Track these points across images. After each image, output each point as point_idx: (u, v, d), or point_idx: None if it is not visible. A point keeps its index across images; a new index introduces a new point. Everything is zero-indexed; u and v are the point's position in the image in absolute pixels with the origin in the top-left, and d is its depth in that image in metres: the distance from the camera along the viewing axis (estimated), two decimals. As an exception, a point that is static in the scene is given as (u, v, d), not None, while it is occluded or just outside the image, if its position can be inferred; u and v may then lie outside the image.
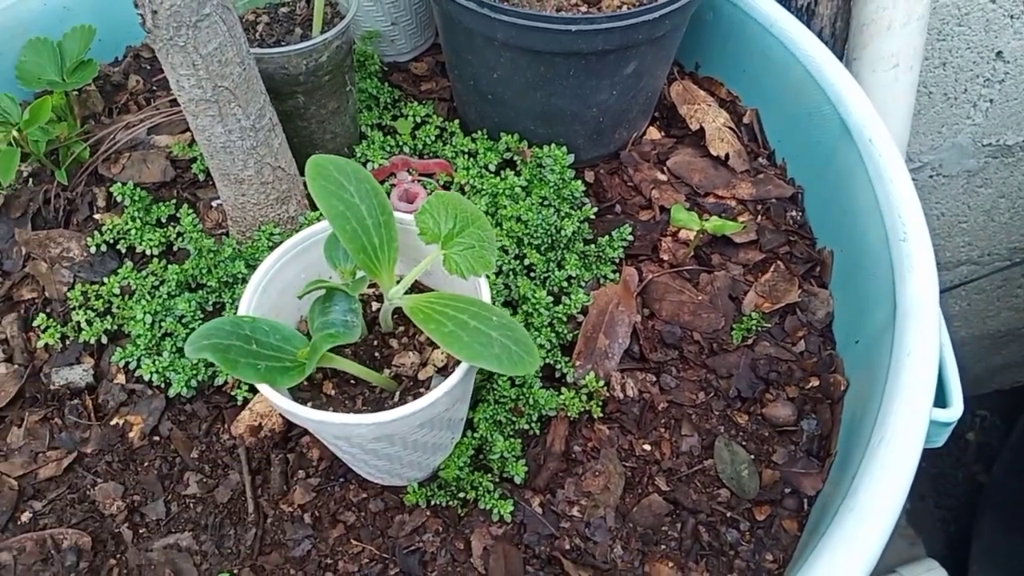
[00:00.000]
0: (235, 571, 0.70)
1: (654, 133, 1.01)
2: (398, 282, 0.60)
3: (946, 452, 2.15)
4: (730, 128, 0.99)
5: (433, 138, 0.97)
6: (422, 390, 0.64)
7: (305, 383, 0.64)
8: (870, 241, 0.79)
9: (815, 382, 0.79)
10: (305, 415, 0.56)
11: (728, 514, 0.73)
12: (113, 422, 0.78)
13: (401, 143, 0.96)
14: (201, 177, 0.95)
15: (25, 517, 0.73)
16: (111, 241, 0.88)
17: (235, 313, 0.64)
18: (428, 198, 0.61)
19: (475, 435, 0.73)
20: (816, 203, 0.92)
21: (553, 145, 0.92)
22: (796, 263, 0.88)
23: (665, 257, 0.88)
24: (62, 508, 0.74)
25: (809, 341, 0.82)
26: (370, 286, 0.71)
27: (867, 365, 0.74)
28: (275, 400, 0.57)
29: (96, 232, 0.88)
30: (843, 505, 0.60)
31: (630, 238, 0.87)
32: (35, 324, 0.83)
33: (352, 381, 0.65)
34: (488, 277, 0.64)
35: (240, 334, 0.57)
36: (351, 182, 0.59)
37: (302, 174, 0.85)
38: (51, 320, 0.82)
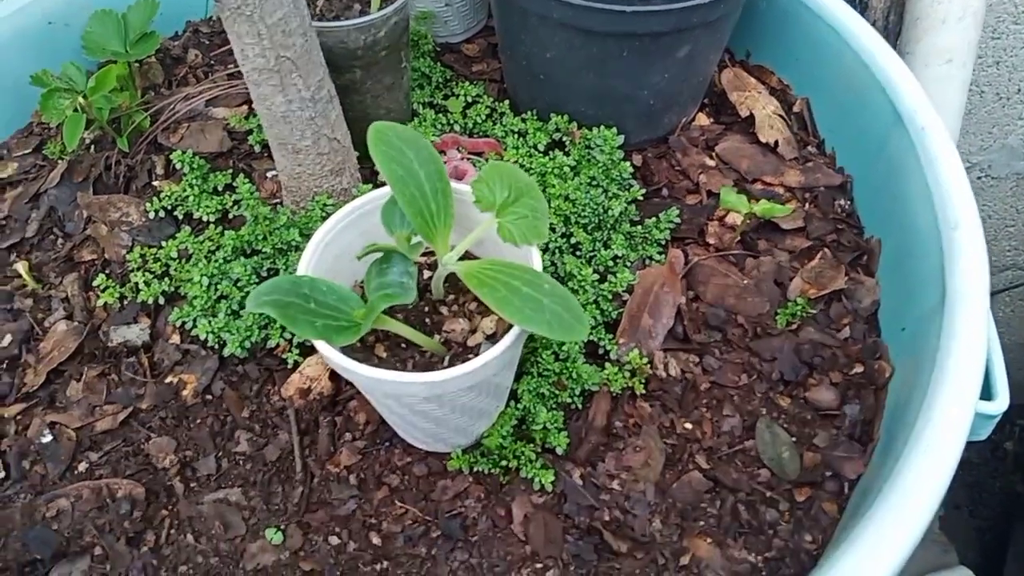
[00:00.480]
0: (282, 526, 0.72)
1: (703, 119, 1.01)
2: (452, 248, 0.62)
3: (983, 462, 2.11)
4: (780, 116, 0.99)
5: (483, 117, 0.98)
6: (471, 356, 0.65)
7: (358, 344, 0.66)
8: (920, 229, 0.79)
9: (859, 368, 0.79)
10: (361, 372, 0.58)
11: (768, 494, 0.73)
12: (168, 380, 0.80)
13: (452, 122, 0.98)
14: (257, 149, 0.97)
15: (82, 467, 0.76)
16: (169, 207, 0.91)
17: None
18: (484, 167, 0.62)
19: (518, 406, 0.75)
20: (865, 192, 0.91)
21: (603, 127, 0.93)
22: (843, 251, 0.88)
23: (711, 241, 0.89)
24: (117, 460, 0.76)
25: (854, 328, 0.82)
26: (422, 255, 0.73)
27: (913, 352, 0.74)
28: (331, 356, 0.58)
29: (155, 198, 0.91)
30: (886, 486, 0.60)
31: (677, 220, 0.88)
32: (95, 284, 0.85)
33: (403, 345, 0.67)
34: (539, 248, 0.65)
35: (300, 292, 0.58)
36: (411, 149, 0.60)
37: (356, 148, 0.87)
38: (110, 280, 0.85)
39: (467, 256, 0.72)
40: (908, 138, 0.82)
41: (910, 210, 0.82)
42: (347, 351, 0.66)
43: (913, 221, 0.81)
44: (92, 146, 0.99)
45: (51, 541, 0.71)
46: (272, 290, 0.57)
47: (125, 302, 0.85)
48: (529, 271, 0.58)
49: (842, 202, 0.92)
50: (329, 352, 0.58)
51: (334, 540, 0.71)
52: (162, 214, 0.91)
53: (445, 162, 0.92)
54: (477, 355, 0.65)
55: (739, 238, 0.89)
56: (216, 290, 0.81)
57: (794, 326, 0.82)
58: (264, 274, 0.83)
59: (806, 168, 0.95)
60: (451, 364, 0.65)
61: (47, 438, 0.77)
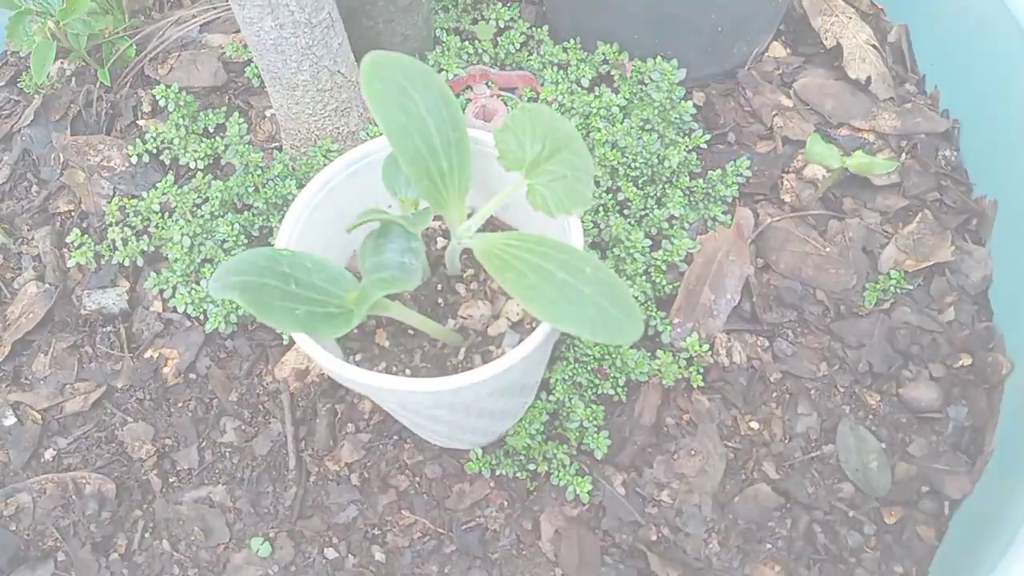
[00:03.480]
0: (271, 534, 0.62)
1: (778, 50, 0.85)
2: (469, 216, 0.48)
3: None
4: (873, 46, 0.82)
5: (517, 46, 0.83)
6: (492, 348, 0.53)
7: (355, 330, 0.54)
8: (1053, 191, 0.64)
9: (967, 360, 0.66)
10: (349, 376, 0.46)
11: (850, 513, 0.61)
12: (147, 355, 0.70)
13: (480, 51, 0.83)
14: (255, 83, 0.84)
15: (48, 455, 0.66)
16: (154, 151, 0.79)
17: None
18: (512, 111, 0.48)
19: (550, 398, 0.63)
20: (977, 141, 0.76)
21: (660, 58, 0.78)
22: (947, 213, 0.73)
23: (787, 198, 0.75)
24: (88, 448, 0.66)
25: (960, 309, 0.68)
26: (436, 218, 0.60)
27: (1041, 346, 0.60)
28: (314, 354, 0.46)
29: (138, 140, 0.79)
30: None
31: (747, 173, 0.73)
32: (68, 240, 0.74)
33: (410, 331, 0.55)
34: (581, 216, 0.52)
35: (277, 271, 0.46)
36: (417, 88, 0.47)
37: (365, 82, 0.73)
38: (86, 236, 0.74)
39: (492, 224, 0.59)
40: (1043, 75, 0.67)
41: (1040, 166, 0.66)
42: (341, 339, 0.54)
43: (1042, 179, 0.66)
44: (73, 79, 0.87)
45: (8, 544, 0.61)
46: (242, 268, 0.45)
47: (102, 262, 0.74)
48: (567, 250, 0.45)
49: (947, 153, 0.76)
50: (312, 348, 0.46)
51: (331, 553, 0.61)
52: (147, 159, 0.79)
53: (472, 100, 0.78)
54: (500, 347, 0.53)
55: (821, 195, 0.74)
56: (199, 252, 0.70)
57: (886, 305, 0.69)
58: (255, 233, 0.71)
59: (903, 110, 0.79)
60: (467, 358, 0.53)
61: (10, 420, 0.67)
